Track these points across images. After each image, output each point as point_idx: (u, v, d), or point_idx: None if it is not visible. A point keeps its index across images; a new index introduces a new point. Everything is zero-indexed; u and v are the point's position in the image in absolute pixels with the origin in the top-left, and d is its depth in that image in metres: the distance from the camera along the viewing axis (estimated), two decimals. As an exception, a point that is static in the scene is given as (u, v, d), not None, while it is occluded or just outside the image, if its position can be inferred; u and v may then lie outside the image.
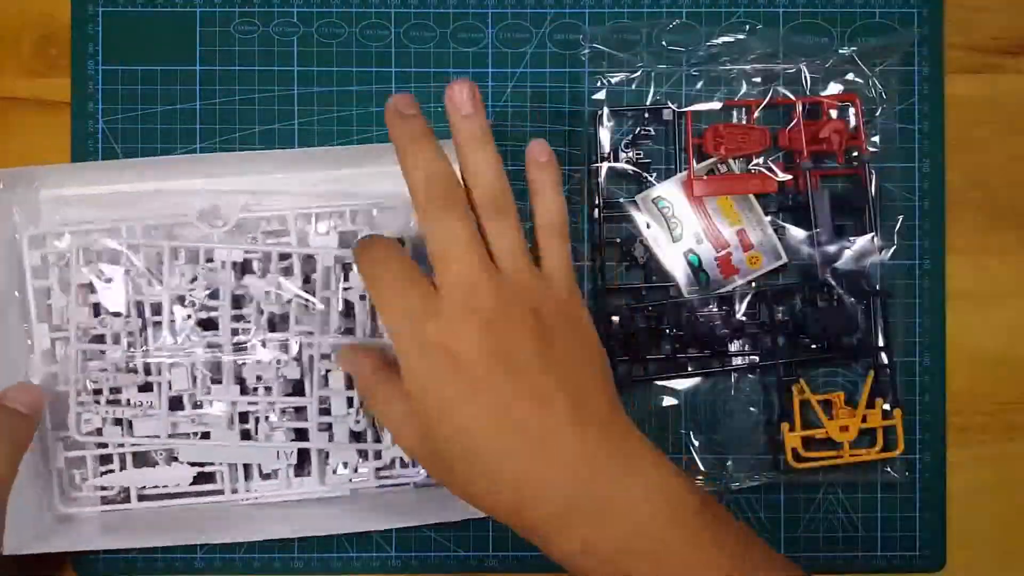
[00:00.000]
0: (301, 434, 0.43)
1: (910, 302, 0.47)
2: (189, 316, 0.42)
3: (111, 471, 0.44)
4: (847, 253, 0.45)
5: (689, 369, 0.46)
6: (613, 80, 0.46)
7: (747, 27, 0.46)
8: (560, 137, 0.46)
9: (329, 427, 0.43)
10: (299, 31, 0.46)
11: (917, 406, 0.46)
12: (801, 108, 0.45)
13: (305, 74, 0.46)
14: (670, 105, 0.45)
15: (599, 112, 0.45)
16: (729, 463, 0.46)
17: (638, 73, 0.46)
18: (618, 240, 0.46)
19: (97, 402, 0.42)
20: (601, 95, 0.46)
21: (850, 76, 0.46)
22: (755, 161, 0.45)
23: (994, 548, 0.47)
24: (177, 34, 0.46)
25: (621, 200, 0.46)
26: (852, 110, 0.45)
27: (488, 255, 0.34)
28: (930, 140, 0.47)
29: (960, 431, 0.47)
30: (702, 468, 0.46)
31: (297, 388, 0.43)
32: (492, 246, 0.35)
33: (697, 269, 0.45)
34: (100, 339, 0.42)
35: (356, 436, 0.44)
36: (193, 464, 0.44)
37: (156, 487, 0.44)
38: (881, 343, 0.45)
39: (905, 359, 0.46)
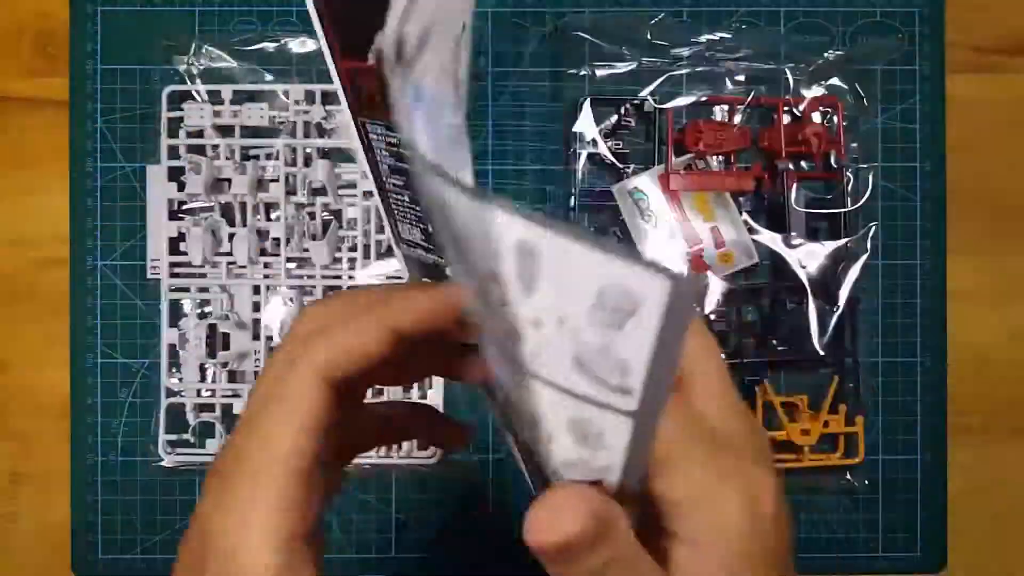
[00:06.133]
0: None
1: (910, 302, 0.46)
2: None
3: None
4: (820, 257, 0.45)
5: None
6: (601, 73, 0.46)
7: (734, 26, 0.46)
8: (559, 137, 0.46)
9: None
10: (299, 30, 0.46)
11: (917, 406, 0.46)
12: (784, 109, 0.45)
13: (304, 73, 0.46)
14: (649, 98, 0.45)
15: (580, 100, 0.45)
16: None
17: (625, 66, 0.46)
18: (594, 229, 0.46)
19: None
20: (586, 86, 0.46)
21: (835, 81, 0.46)
22: (733, 160, 0.45)
23: (994, 548, 0.47)
24: (177, 34, 0.46)
25: (597, 189, 0.45)
26: (835, 114, 0.45)
27: None
28: (930, 140, 0.47)
29: (960, 431, 0.47)
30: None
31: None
32: None
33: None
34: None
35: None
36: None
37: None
38: (848, 348, 0.45)
39: (905, 359, 0.46)
